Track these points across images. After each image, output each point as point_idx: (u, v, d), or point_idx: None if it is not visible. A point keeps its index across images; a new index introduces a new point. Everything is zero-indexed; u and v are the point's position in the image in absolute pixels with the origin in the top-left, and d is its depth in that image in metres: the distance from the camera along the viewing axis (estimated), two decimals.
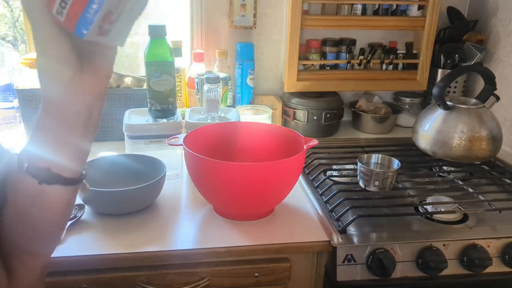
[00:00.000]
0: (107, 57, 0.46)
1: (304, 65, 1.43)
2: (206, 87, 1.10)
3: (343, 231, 0.86)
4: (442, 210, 0.94)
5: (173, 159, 1.08)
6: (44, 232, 0.51)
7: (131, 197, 0.90)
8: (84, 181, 0.50)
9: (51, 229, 0.51)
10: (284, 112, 1.42)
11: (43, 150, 0.46)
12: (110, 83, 1.30)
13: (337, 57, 1.46)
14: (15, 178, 0.48)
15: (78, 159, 0.48)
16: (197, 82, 1.33)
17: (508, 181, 1.11)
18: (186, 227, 0.89)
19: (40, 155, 0.46)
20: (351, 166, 1.12)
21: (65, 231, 0.84)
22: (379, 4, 1.39)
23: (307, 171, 1.12)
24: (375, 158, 1.03)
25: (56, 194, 0.47)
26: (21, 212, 0.49)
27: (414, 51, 1.47)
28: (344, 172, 1.11)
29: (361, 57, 1.43)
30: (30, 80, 1.30)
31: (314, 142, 0.92)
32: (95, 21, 0.40)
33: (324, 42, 1.44)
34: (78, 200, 0.91)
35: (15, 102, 1.30)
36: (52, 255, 0.55)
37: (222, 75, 1.33)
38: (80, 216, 0.90)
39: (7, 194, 0.49)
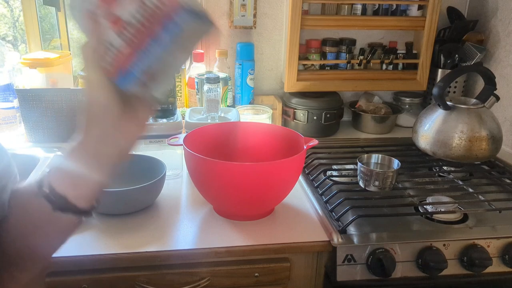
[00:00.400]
0: (148, 106, 0.49)
1: (304, 65, 1.43)
2: (206, 87, 1.10)
3: (343, 231, 0.86)
4: (442, 210, 0.94)
5: (173, 159, 1.08)
6: (41, 252, 0.53)
7: (131, 197, 0.90)
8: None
9: (48, 250, 0.53)
10: (284, 112, 1.42)
11: (66, 180, 0.48)
12: None
13: (337, 57, 1.46)
14: (27, 200, 0.49)
15: (95, 193, 0.50)
16: (197, 82, 1.33)
17: (508, 181, 1.11)
18: (186, 227, 0.89)
19: (62, 182, 0.48)
20: (351, 166, 1.12)
21: None
22: (379, 4, 1.39)
23: (307, 171, 1.12)
24: (375, 158, 1.03)
25: (64, 221, 0.49)
26: (23, 232, 0.50)
27: (414, 51, 1.47)
28: (344, 172, 1.11)
29: (361, 57, 1.43)
30: (30, 80, 1.30)
31: (314, 142, 0.91)
32: (136, 75, 0.42)
33: (324, 42, 1.44)
34: None
35: (15, 102, 1.30)
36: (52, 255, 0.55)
37: (222, 75, 1.33)
38: None
39: (12, 211, 0.50)
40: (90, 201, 0.50)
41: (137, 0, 0.40)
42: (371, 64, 1.44)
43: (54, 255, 0.55)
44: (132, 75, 0.43)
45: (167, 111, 1.10)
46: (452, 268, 0.87)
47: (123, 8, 0.41)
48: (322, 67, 1.45)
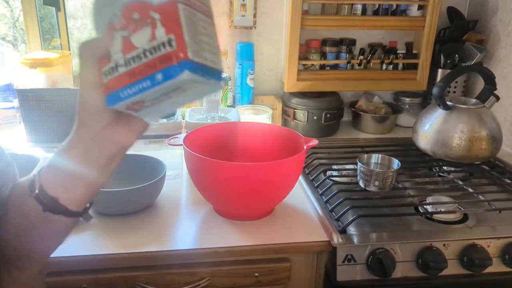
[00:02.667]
0: (143, 121, 0.48)
1: (304, 65, 1.43)
2: None
3: (343, 231, 0.86)
4: (442, 210, 0.94)
5: (173, 159, 1.08)
6: (38, 251, 0.52)
7: (131, 197, 0.90)
8: (89, 211, 0.52)
9: (45, 249, 0.53)
10: (284, 112, 1.42)
11: (56, 181, 0.47)
12: None
13: (337, 57, 1.45)
14: (21, 199, 0.49)
15: (86, 197, 0.49)
16: None
17: (508, 181, 1.11)
18: (186, 227, 0.89)
19: (52, 184, 0.47)
20: (351, 166, 1.12)
21: None
22: (379, 4, 1.39)
23: (307, 171, 1.12)
24: (375, 158, 1.03)
25: (57, 222, 0.49)
26: (20, 231, 0.50)
27: (414, 51, 1.47)
28: (344, 172, 1.11)
29: (361, 57, 1.43)
30: (30, 80, 1.30)
31: (314, 142, 0.91)
32: (124, 101, 0.42)
33: (324, 42, 1.44)
34: None
35: (15, 102, 1.30)
36: (53, 255, 0.55)
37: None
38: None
39: (9, 210, 0.50)
40: (82, 203, 0.49)
41: (154, 39, 0.40)
42: (371, 64, 1.44)
43: (54, 255, 0.55)
44: (120, 99, 0.42)
45: None
46: (452, 268, 0.87)
47: (140, 38, 0.41)
48: (322, 67, 1.45)
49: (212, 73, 0.42)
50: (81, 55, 0.44)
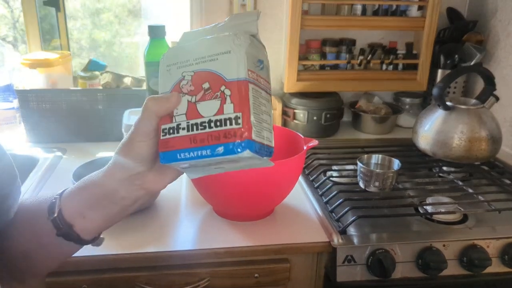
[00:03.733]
0: (178, 171, 0.49)
1: (304, 65, 1.43)
2: None
3: (343, 232, 0.86)
4: (442, 210, 0.94)
5: None
6: (42, 268, 0.53)
7: None
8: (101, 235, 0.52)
9: (50, 266, 0.53)
10: (284, 113, 1.42)
11: (75, 208, 0.48)
12: (109, 83, 1.30)
13: (337, 57, 1.45)
14: (36, 218, 0.49)
15: (101, 228, 0.51)
16: None
17: (507, 181, 1.11)
18: (186, 227, 0.89)
19: (71, 210, 0.48)
20: (351, 167, 1.12)
21: None
22: (379, 5, 1.39)
23: (307, 172, 1.12)
24: (375, 158, 1.03)
25: (67, 246, 0.49)
26: (27, 248, 0.50)
27: (414, 52, 1.47)
28: (344, 173, 1.11)
29: (361, 57, 1.43)
30: (30, 80, 1.31)
31: (314, 142, 0.91)
32: (180, 162, 0.44)
33: (324, 42, 1.44)
34: None
35: (15, 103, 1.30)
36: None
37: None
38: None
39: (18, 225, 0.50)
40: (95, 233, 0.51)
41: (221, 112, 0.42)
42: (371, 64, 1.44)
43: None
44: (177, 160, 0.44)
45: None
46: (452, 269, 0.87)
47: (206, 108, 0.43)
48: (322, 67, 1.45)
49: (266, 151, 0.45)
50: (146, 108, 0.45)
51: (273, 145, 0.46)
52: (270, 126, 0.46)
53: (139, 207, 0.50)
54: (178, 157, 0.44)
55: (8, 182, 0.50)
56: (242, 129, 0.42)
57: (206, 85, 0.44)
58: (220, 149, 0.42)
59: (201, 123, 0.43)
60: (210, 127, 0.43)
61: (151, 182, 0.47)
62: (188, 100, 0.44)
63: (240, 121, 0.42)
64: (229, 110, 0.42)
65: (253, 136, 0.42)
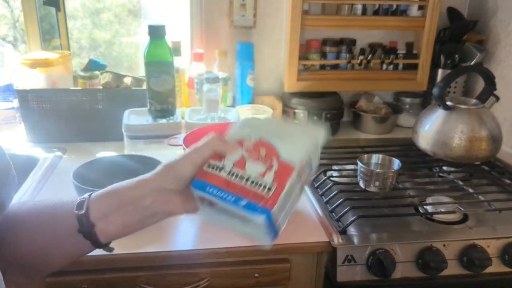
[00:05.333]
0: (196, 208, 0.53)
1: (304, 65, 1.43)
2: (206, 87, 1.10)
3: (343, 232, 0.86)
4: (442, 210, 0.94)
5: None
6: (53, 265, 0.54)
7: None
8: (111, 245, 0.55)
9: (61, 263, 0.55)
10: (284, 112, 1.42)
11: (101, 208, 0.51)
12: (109, 83, 1.30)
13: (337, 57, 1.45)
14: (58, 214, 0.52)
15: (118, 233, 0.53)
16: (197, 82, 1.33)
17: (508, 181, 1.11)
18: (186, 227, 0.89)
19: (96, 209, 0.51)
20: (351, 167, 1.12)
21: None
22: (379, 4, 1.39)
23: None
24: (375, 158, 1.03)
25: (83, 246, 0.52)
26: (43, 241, 0.52)
27: (414, 51, 1.47)
28: (345, 173, 1.10)
29: (361, 57, 1.43)
30: (30, 80, 1.31)
31: None
32: (204, 194, 0.49)
33: (324, 42, 1.44)
34: None
35: (15, 102, 1.30)
36: None
37: (222, 75, 1.33)
38: None
39: (40, 221, 0.52)
40: (111, 237, 0.53)
41: (262, 176, 0.49)
42: (371, 64, 1.44)
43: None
44: (204, 190, 0.49)
45: (167, 111, 1.10)
46: (452, 269, 0.87)
47: (253, 167, 0.50)
48: (322, 67, 1.45)
49: (274, 230, 0.50)
50: (209, 142, 0.52)
51: (280, 232, 0.51)
52: (289, 214, 0.52)
53: (151, 224, 0.53)
54: (207, 189, 0.49)
55: (1, 172, 0.50)
56: (269, 199, 0.47)
57: (262, 153, 0.52)
58: (242, 203, 0.47)
59: (241, 175, 0.50)
60: (247, 182, 0.49)
61: (175, 202, 0.51)
62: (242, 155, 0.52)
63: (271, 192, 0.48)
64: (269, 178, 0.49)
65: (274, 209, 0.47)
